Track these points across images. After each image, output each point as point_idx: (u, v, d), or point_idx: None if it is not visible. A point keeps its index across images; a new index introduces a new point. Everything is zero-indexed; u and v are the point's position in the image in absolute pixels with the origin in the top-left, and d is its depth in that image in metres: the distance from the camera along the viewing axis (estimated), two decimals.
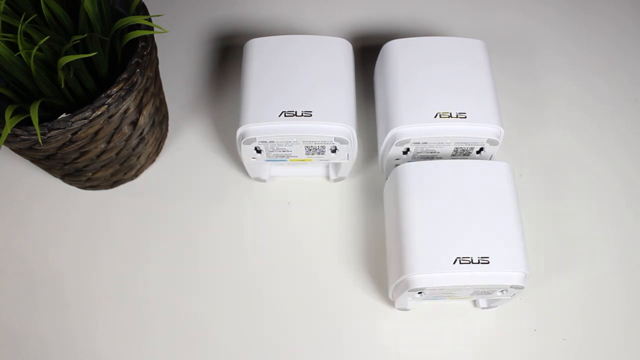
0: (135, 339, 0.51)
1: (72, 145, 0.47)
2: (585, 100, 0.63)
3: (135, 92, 0.48)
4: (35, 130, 0.44)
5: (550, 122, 0.61)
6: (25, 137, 0.44)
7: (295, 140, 0.50)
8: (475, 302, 0.52)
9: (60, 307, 0.53)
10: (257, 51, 0.53)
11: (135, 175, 0.58)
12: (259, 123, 0.50)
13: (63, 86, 0.44)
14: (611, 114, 0.62)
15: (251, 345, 0.51)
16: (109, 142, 0.50)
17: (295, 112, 0.50)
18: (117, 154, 0.52)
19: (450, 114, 0.50)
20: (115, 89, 0.46)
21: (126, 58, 0.51)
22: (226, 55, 0.65)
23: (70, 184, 0.58)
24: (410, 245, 0.46)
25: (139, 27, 0.49)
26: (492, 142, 0.50)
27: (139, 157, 0.56)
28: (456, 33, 0.66)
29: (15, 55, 0.44)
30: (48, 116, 0.48)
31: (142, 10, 0.50)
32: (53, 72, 0.46)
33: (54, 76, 0.46)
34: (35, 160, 0.51)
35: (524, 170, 0.58)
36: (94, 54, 0.45)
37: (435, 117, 0.49)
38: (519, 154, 0.59)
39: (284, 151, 0.51)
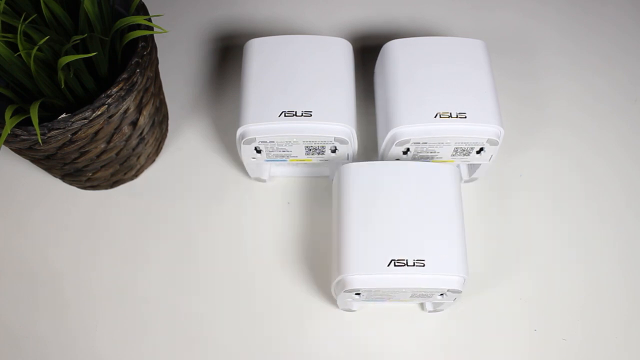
0: (135, 339, 0.51)
1: (72, 145, 0.47)
2: (585, 100, 0.63)
3: (135, 92, 0.48)
4: (35, 130, 0.44)
5: (551, 122, 0.61)
6: (25, 137, 0.44)
7: (295, 140, 0.50)
8: (422, 306, 0.52)
9: (60, 307, 0.53)
10: (257, 51, 0.53)
11: (135, 175, 0.58)
12: (259, 123, 0.50)
13: (63, 86, 0.44)
14: (611, 114, 0.62)
15: (251, 345, 0.51)
16: (109, 142, 0.50)
17: (295, 112, 0.50)
18: (117, 154, 0.52)
19: (450, 114, 0.50)
20: (115, 89, 0.46)
21: (126, 58, 0.51)
22: (226, 55, 0.65)
23: (70, 184, 0.58)
24: (346, 246, 0.46)
25: (139, 27, 0.49)
26: (492, 142, 0.50)
27: (139, 157, 0.56)
28: (456, 33, 0.66)
29: (15, 55, 0.44)
30: (48, 116, 0.48)
31: (142, 10, 0.50)
32: (53, 72, 0.46)
33: (54, 76, 0.46)
34: (35, 160, 0.51)
35: (524, 171, 0.58)
36: (94, 54, 0.45)
37: (435, 117, 0.49)
38: (519, 154, 0.59)
39: (284, 151, 0.51)
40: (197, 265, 0.54)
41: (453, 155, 0.52)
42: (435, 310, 0.51)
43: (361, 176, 0.49)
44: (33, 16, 0.43)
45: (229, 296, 0.53)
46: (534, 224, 0.56)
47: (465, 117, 0.49)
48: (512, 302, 0.52)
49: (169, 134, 0.61)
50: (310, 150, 0.51)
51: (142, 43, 0.48)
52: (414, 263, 0.45)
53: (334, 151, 0.51)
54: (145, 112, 0.51)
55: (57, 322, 0.52)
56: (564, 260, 0.54)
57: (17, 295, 0.53)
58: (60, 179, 0.57)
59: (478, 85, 0.51)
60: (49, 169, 0.54)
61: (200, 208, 0.57)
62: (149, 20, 0.48)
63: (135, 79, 0.47)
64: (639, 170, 0.59)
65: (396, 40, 0.54)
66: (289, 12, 0.68)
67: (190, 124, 0.61)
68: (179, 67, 0.64)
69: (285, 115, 0.50)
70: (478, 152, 0.51)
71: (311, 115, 0.50)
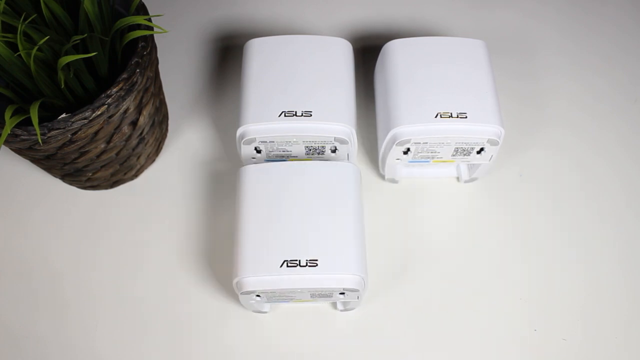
0: (135, 339, 0.51)
1: (72, 145, 0.47)
2: (585, 100, 0.63)
3: (135, 92, 0.48)
4: (35, 130, 0.44)
5: (551, 122, 0.61)
6: (25, 137, 0.44)
7: (295, 140, 0.50)
8: (334, 305, 0.52)
9: (60, 307, 0.53)
10: (257, 51, 0.53)
11: (135, 175, 0.58)
12: (259, 123, 0.50)
13: (63, 86, 0.44)
14: (611, 114, 0.62)
15: (250, 346, 0.51)
16: (108, 142, 0.50)
17: (295, 112, 0.50)
18: (117, 154, 0.52)
19: (451, 114, 0.50)
20: (115, 89, 0.46)
21: (126, 58, 0.51)
22: (226, 56, 0.65)
23: (70, 184, 0.58)
24: (241, 248, 0.46)
25: (139, 27, 0.49)
26: (493, 142, 0.50)
27: (138, 157, 0.56)
28: (456, 33, 0.66)
29: (15, 55, 0.44)
30: (48, 116, 0.48)
31: (142, 10, 0.50)
32: (53, 72, 0.46)
33: (54, 76, 0.46)
34: (35, 160, 0.51)
35: (524, 171, 0.58)
36: (94, 54, 0.45)
37: (435, 117, 0.49)
38: (519, 154, 0.59)
39: (284, 151, 0.51)
40: (197, 265, 0.54)
41: (453, 155, 0.52)
42: (345, 310, 0.51)
43: (258, 177, 0.49)
44: (33, 16, 0.43)
45: (229, 296, 0.53)
46: (534, 224, 0.56)
47: (466, 117, 0.49)
48: (512, 302, 0.52)
49: (169, 134, 0.61)
50: (310, 150, 0.51)
51: (142, 43, 0.48)
52: (306, 263, 0.45)
53: (334, 151, 0.51)
54: (145, 112, 0.51)
55: (57, 322, 0.52)
56: (564, 260, 0.54)
57: (16, 295, 0.53)
58: (60, 179, 0.57)
59: (478, 85, 0.51)
60: (49, 169, 0.54)
61: (200, 208, 0.57)
62: (149, 20, 0.48)
63: (135, 79, 0.47)
64: (639, 170, 0.59)
65: (396, 40, 0.54)
66: (289, 12, 0.68)
67: (190, 124, 0.61)
68: (179, 67, 0.64)
69: (285, 115, 0.50)
70: (478, 152, 0.51)
71: (311, 115, 0.50)
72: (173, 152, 0.60)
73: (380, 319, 0.52)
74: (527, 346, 0.51)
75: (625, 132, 0.61)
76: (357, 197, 0.48)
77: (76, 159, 0.50)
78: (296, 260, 0.45)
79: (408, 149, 0.51)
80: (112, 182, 0.57)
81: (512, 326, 0.52)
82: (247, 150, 0.51)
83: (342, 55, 0.54)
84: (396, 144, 0.50)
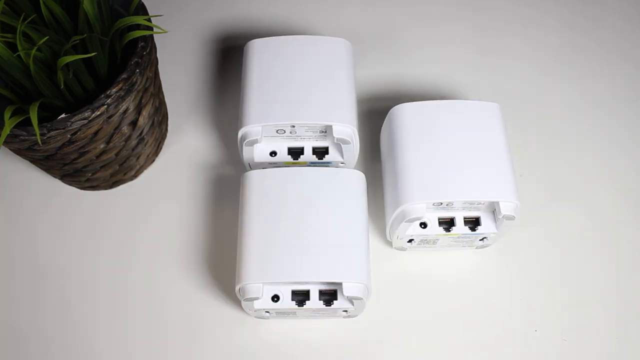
0: (135, 339, 0.51)
1: (72, 146, 0.47)
2: (585, 100, 0.63)
3: (134, 93, 0.48)
4: (34, 130, 0.44)
5: (551, 122, 0.61)
6: (25, 138, 0.44)
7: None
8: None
9: (60, 307, 0.53)
10: (258, 52, 0.54)
11: (135, 176, 0.58)
12: (261, 124, 0.50)
13: (62, 86, 0.44)
14: (611, 113, 0.62)
15: (252, 350, 0.51)
16: (108, 143, 0.50)
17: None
18: (116, 155, 0.52)
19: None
20: (114, 89, 0.46)
21: (126, 58, 0.51)
22: (226, 56, 0.65)
23: (70, 184, 0.58)
24: (245, 254, 0.46)
25: (138, 27, 0.49)
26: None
27: (138, 158, 0.56)
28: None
29: (15, 55, 0.44)
30: (47, 116, 0.48)
31: (142, 10, 0.50)
32: (52, 72, 0.46)
33: (54, 76, 0.46)
34: (35, 161, 0.51)
35: (524, 171, 0.58)
36: (93, 54, 0.45)
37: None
38: (518, 155, 0.59)
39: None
40: (197, 265, 0.54)
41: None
42: (349, 316, 0.50)
43: (263, 183, 0.49)
44: (32, 16, 0.43)
45: (230, 295, 0.53)
46: (535, 223, 0.56)
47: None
48: (512, 302, 0.52)
49: (168, 134, 0.61)
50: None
51: (142, 43, 0.48)
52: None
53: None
54: (144, 112, 0.51)
55: (57, 322, 0.52)
56: (564, 260, 0.54)
57: (16, 296, 0.53)
58: (60, 179, 0.57)
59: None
60: (48, 169, 0.54)
61: (200, 208, 0.57)
62: (149, 20, 0.48)
63: (134, 79, 0.47)
64: (639, 170, 0.59)
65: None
66: (289, 12, 0.68)
67: (190, 124, 0.61)
68: (179, 67, 0.64)
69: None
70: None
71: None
72: (173, 153, 0.60)
73: (384, 323, 0.52)
74: (527, 346, 0.51)
75: (626, 132, 0.61)
76: (362, 204, 0.49)
77: (76, 159, 0.50)
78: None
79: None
80: (112, 182, 0.57)
81: (512, 326, 0.52)
82: (248, 151, 0.51)
83: (344, 55, 0.54)
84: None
